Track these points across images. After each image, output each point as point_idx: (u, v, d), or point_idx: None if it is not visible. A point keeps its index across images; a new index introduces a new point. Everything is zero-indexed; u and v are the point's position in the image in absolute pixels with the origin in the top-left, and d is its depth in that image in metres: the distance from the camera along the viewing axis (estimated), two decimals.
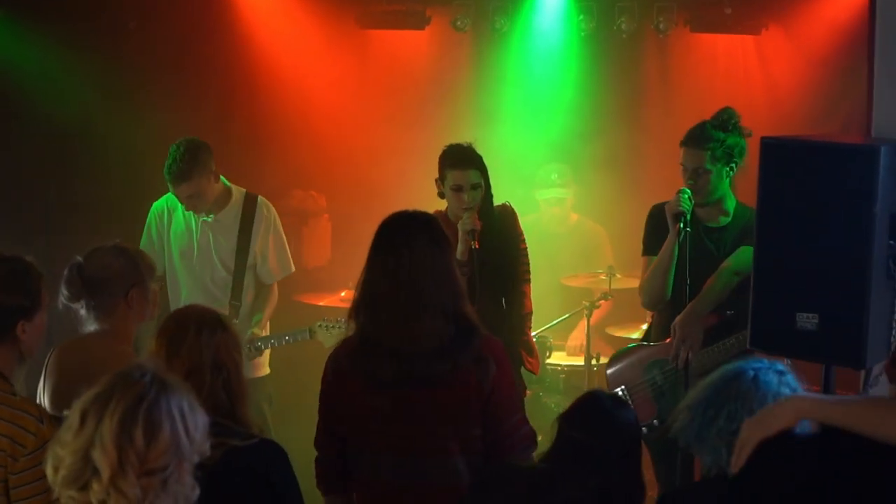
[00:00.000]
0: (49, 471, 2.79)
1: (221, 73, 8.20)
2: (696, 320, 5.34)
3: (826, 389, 4.17)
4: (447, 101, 8.36)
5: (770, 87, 8.24)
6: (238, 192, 6.43)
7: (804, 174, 4.05)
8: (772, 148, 4.15)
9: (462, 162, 5.69)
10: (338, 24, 8.37)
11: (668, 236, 5.42)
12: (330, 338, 6.15)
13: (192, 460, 2.79)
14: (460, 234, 5.58)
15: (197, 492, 2.81)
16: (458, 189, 5.67)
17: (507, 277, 5.84)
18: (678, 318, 5.35)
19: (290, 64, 8.34)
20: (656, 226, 5.61)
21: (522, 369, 5.87)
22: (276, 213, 6.51)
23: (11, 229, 7.00)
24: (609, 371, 5.80)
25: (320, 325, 6.27)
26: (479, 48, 8.55)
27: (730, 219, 5.52)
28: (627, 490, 3.61)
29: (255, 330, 6.34)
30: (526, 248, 5.91)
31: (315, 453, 4.39)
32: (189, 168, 6.13)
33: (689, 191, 5.39)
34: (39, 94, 7.58)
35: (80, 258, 4.40)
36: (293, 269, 6.64)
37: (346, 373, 4.17)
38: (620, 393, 5.63)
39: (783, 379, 3.50)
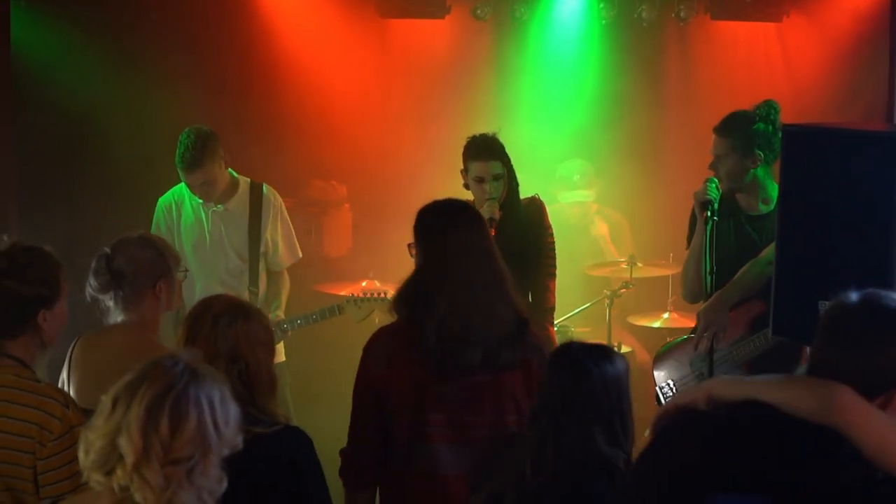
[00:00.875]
0: (81, 454, 2.79)
1: (241, 63, 8.21)
2: (721, 308, 5.26)
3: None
4: (467, 90, 8.36)
5: (791, 75, 8.21)
6: (244, 181, 6.46)
7: (826, 162, 4.03)
8: (793, 135, 4.15)
9: (484, 153, 5.67)
10: (357, 13, 8.37)
11: (698, 225, 5.38)
12: (360, 313, 6.27)
13: (219, 453, 2.78)
14: None
15: (224, 485, 2.80)
16: (480, 180, 5.66)
17: (531, 270, 5.81)
18: (703, 306, 5.30)
19: (310, 53, 8.35)
20: (694, 217, 5.60)
21: None
22: (281, 201, 6.55)
23: (29, 216, 7.03)
24: (657, 366, 5.79)
25: (349, 301, 6.36)
26: (498, 37, 8.55)
27: (771, 207, 5.47)
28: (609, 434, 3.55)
29: (278, 313, 6.41)
30: (553, 242, 5.86)
31: (333, 440, 4.32)
32: (201, 155, 6.17)
33: (716, 179, 5.38)
34: (58, 83, 7.60)
35: (107, 249, 4.40)
36: (300, 255, 6.68)
37: (398, 357, 4.10)
38: (668, 386, 5.64)
39: None
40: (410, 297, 4.13)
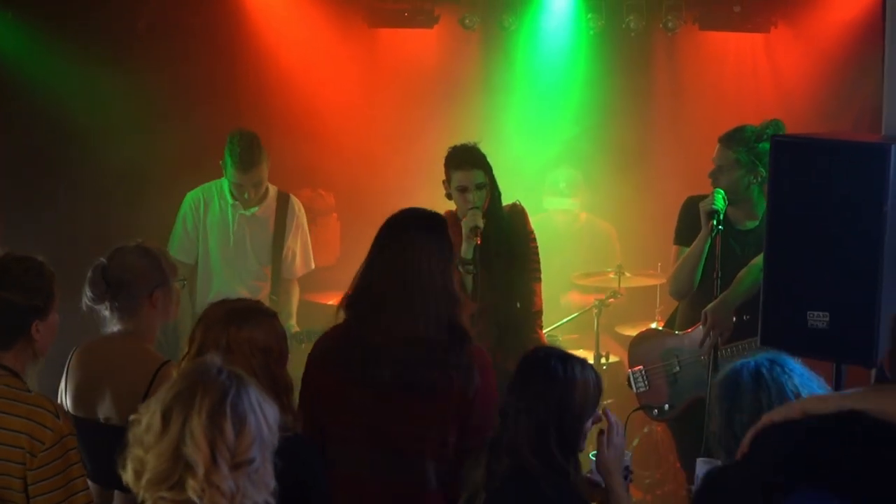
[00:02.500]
0: (129, 476, 2.77)
1: (230, 72, 8.20)
2: (727, 309, 5.43)
3: (837, 387, 4.17)
4: (456, 100, 8.36)
5: (780, 86, 8.24)
6: (272, 188, 6.66)
7: (814, 173, 4.05)
8: (782, 146, 4.16)
9: (466, 162, 5.72)
10: (346, 23, 8.37)
11: (701, 232, 5.51)
12: None
13: (273, 451, 2.81)
14: (464, 231, 5.60)
15: (274, 482, 2.82)
16: (463, 189, 5.70)
17: (517, 275, 5.85)
18: (710, 306, 5.44)
19: (299, 63, 8.35)
20: (689, 217, 5.69)
21: None
22: (303, 210, 6.77)
23: (21, 227, 7.01)
24: (632, 348, 5.98)
25: None
26: (487, 46, 8.56)
27: (757, 223, 5.59)
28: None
29: (291, 323, 6.59)
30: (536, 247, 5.92)
31: None
32: (259, 155, 6.41)
33: (722, 191, 5.44)
34: (44, 93, 7.57)
35: (103, 259, 4.39)
36: (313, 266, 6.85)
37: (330, 363, 4.13)
38: (640, 373, 5.79)
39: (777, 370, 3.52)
40: (348, 298, 4.18)
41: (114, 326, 4.38)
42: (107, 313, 4.39)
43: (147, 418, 2.77)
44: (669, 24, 8.10)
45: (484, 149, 5.81)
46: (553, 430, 3.67)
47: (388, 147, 8.26)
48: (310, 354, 4.24)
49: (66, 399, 4.39)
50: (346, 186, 8.48)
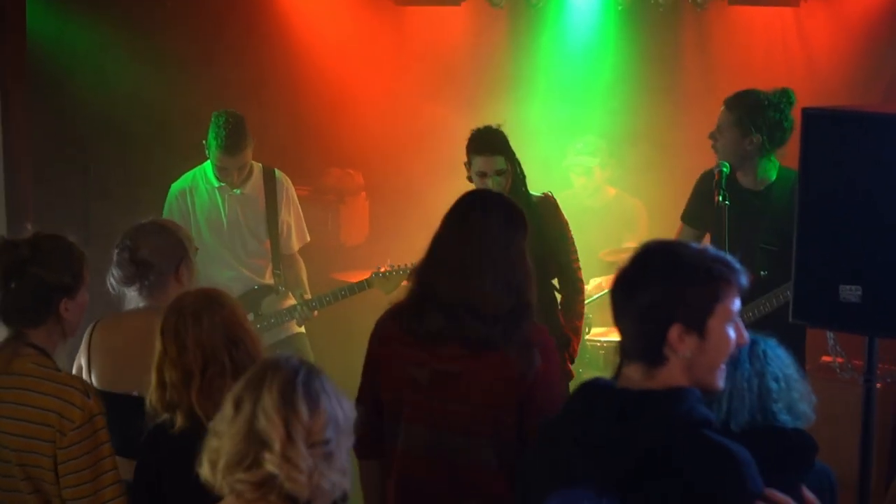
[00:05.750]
0: (206, 469, 2.80)
1: (257, 52, 8.21)
2: None
3: (870, 361, 4.15)
4: (484, 78, 8.35)
5: (809, 59, 8.17)
6: (256, 166, 6.59)
7: (845, 145, 4.01)
8: (812, 119, 4.12)
9: (487, 148, 5.66)
10: (374, 1, 8.36)
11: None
12: (388, 285, 6.43)
13: (350, 439, 2.81)
14: None
15: (350, 468, 2.83)
16: (482, 175, 5.66)
17: (557, 267, 5.84)
18: None
19: (327, 42, 8.35)
20: (696, 192, 5.71)
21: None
22: (291, 183, 6.69)
23: (52, 208, 7.04)
24: None
25: (377, 275, 6.51)
26: (515, 24, 8.52)
27: (766, 187, 5.61)
28: None
29: (304, 294, 6.59)
30: (571, 237, 5.91)
31: None
32: (243, 139, 6.34)
33: (727, 164, 5.41)
34: (74, 74, 7.61)
35: (128, 241, 4.41)
36: (308, 238, 6.82)
37: (390, 335, 4.11)
38: None
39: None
40: (415, 268, 4.16)
41: (139, 303, 4.40)
42: (135, 293, 4.41)
43: (223, 407, 2.78)
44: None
45: (509, 129, 5.77)
46: None
47: (416, 126, 8.24)
48: (372, 332, 4.20)
49: (91, 376, 4.40)
50: (375, 165, 8.48)
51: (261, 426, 2.70)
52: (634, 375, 2.97)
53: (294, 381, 2.74)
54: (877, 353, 4.17)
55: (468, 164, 5.74)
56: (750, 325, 4.99)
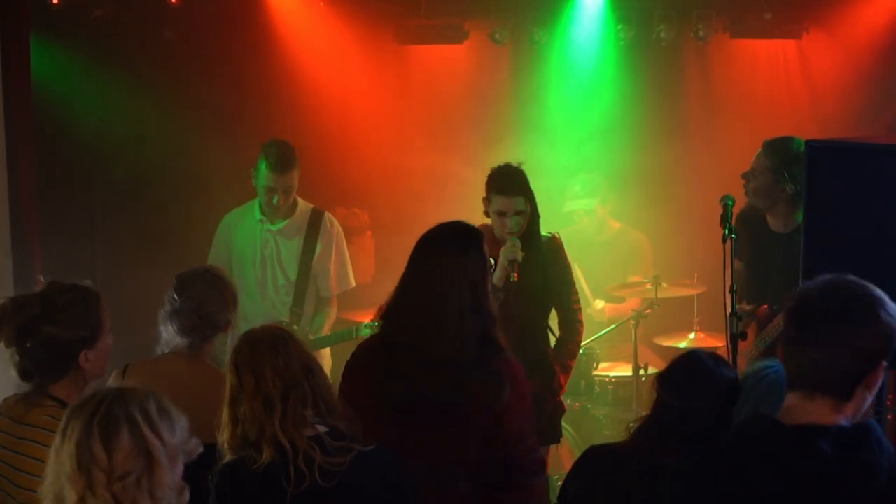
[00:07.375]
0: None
1: (260, 90, 8.22)
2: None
3: (880, 393, 4.11)
4: (487, 116, 8.35)
5: (813, 91, 8.18)
6: (305, 205, 6.72)
7: (850, 176, 4.01)
8: (817, 150, 4.12)
9: (509, 188, 5.63)
10: (376, 40, 8.37)
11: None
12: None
13: (172, 461, 2.78)
14: (501, 259, 5.53)
15: (187, 495, 2.81)
16: (502, 214, 5.64)
17: (559, 308, 5.90)
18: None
19: (330, 80, 8.36)
20: (740, 230, 5.67)
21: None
22: (340, 229, 6.80)
23: (52, 245, 7.05)
24: None
25: (367, 326, 6.57)
26: (517, 61, 8.54)
27: (799, 223, 5.56)
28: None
29: (307, 330, 6.64)
30: (574, 280, 5.97)
31: None
32: (291, 159, 6.50)
33: (730, 197, 5.41)
34: (78, 113, 7.65)
35: (193, 293, 4.36)
36: (353, 284, 6.91)
37: (361, 375, 4.14)
38: None
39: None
40: (382, 312, 4.20)
41: (182, 349, 4.36)
42: (181, 339, 4.36)
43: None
44: (700, 33, 8.05)
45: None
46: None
47: (421, 164, 8.25)
48: (347, 362, 4.25)
49: None
50: (380, 204, 8.48)
51: (66, 490, 2.73)
52: (822, 409, 2.98)
53: (90, 422, 2.73)
54: (887, 386, 4.15)
55: (487, 200, 5.72)
56: (761, 353, 5.02)
